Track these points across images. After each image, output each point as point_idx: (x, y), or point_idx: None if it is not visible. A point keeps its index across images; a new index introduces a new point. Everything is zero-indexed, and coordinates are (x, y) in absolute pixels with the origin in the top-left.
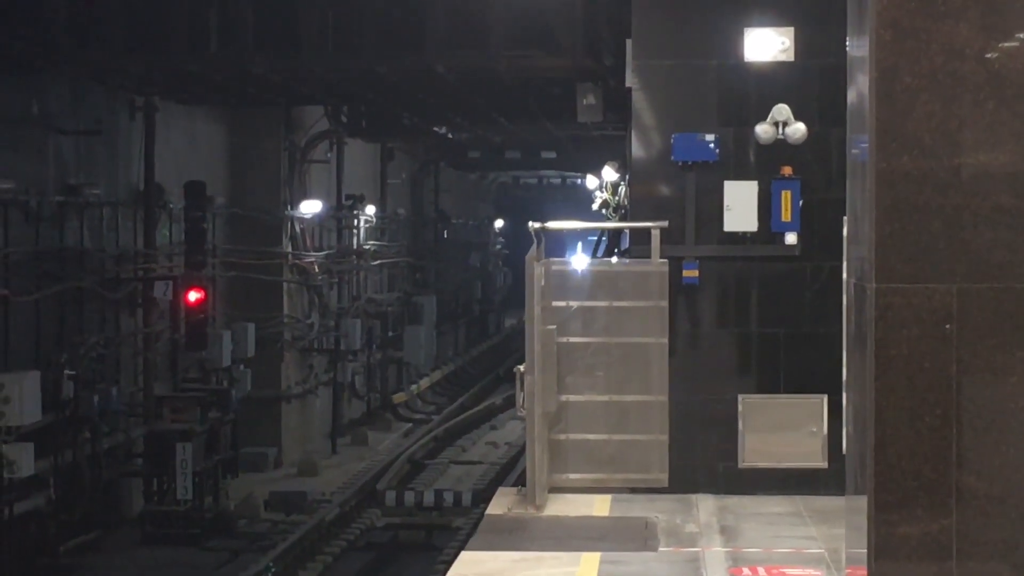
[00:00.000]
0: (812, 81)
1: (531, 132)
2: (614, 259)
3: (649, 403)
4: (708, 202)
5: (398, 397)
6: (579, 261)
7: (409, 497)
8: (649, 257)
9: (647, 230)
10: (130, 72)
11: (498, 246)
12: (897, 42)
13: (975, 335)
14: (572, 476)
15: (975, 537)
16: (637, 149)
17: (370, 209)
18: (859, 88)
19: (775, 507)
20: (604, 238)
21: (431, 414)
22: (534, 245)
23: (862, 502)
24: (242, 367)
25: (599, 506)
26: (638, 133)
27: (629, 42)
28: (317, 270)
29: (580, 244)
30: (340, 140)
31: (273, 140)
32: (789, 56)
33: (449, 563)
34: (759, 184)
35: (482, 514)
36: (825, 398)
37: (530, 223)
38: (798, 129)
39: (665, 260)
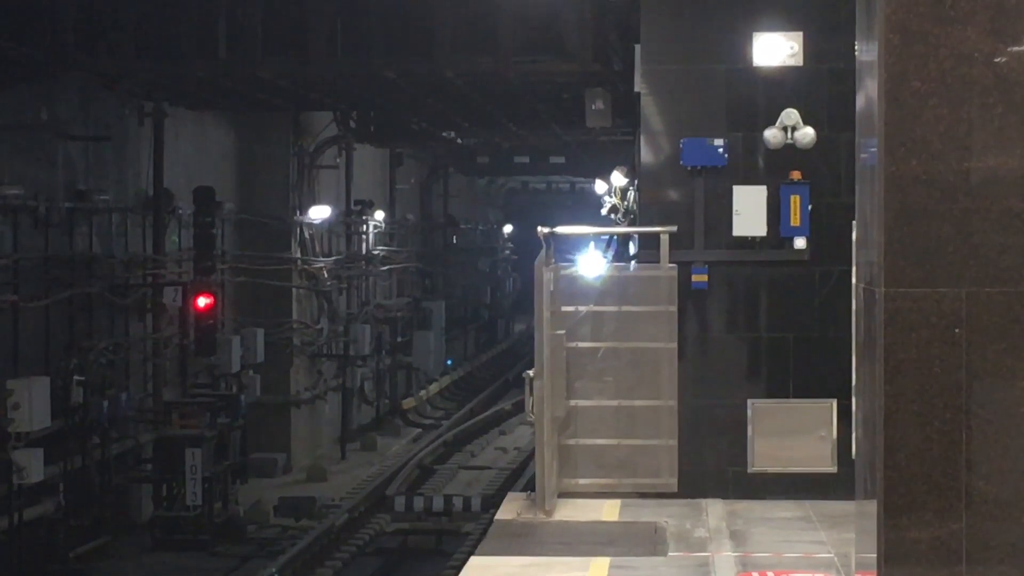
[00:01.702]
0: (821, 86)
1: (540, 137)
2: (633, 264)
3: (658, 408)
4: (717, 207)
5: (407, 402)
6: (591, 259)
7: (418, 502)
8: (658, 262)
9: (656, 235)
10: (139, 78)
11: (507, 251)
12: (906, 46)
13: (984, 339)
14: (581, 481)
15: (985, 541)
16: (646, 154)
17: (379, 214)
18: (868, 92)
19: (785, 512)
20: (613, 242)
21: (440, 419)
22: (543, 250)
23: (872, 506)
24: (251, 372)
25: (608, 511)
26: (647, 138)
27: (638, 47)
28: (326, 275)
29: (592, 243)
30: (349, 145)
31: (282, 145)
32: (798, 61)
33: (458, 568)
34: (768, 189)
35: (491, 519)
36: (835, 402)
37: (539, 228)
38: (807, 134)
39: (674, 265)
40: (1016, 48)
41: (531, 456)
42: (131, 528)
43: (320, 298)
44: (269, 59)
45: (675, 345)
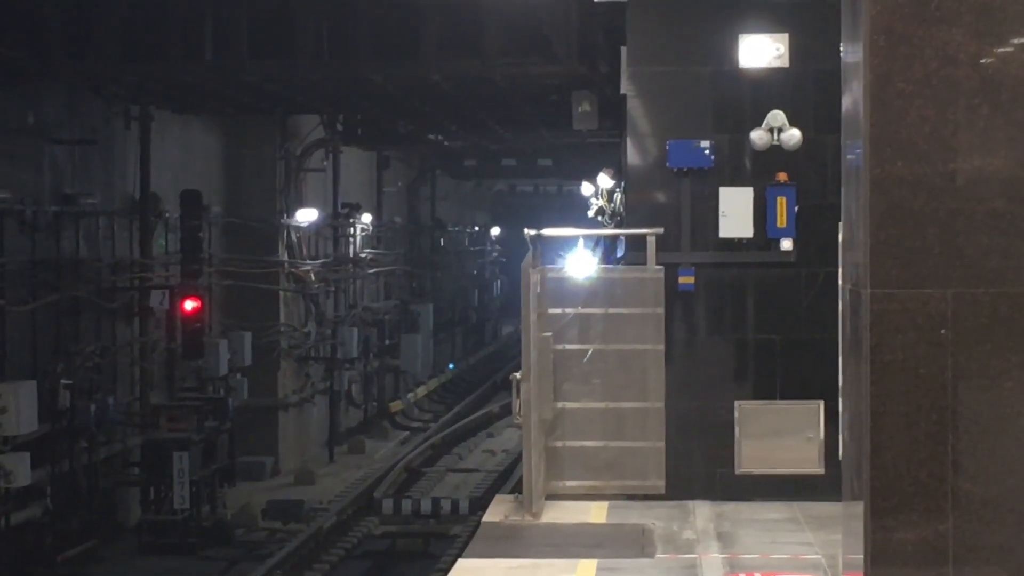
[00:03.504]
0: (807, 87)
1: (527, 140)
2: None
3: (645, 410)
4: (704, 208)
5: (395, 405)
6: (580, 259)
7: (406, 505)
8: (645, 264)
9: (643, 237)
10: (125, 81)
11: (494, 254)
12: (891, 48)
13: (970, 340)
14: (569, 483)
15: (971, 542)
16: (632, 156)
17: (366, 217)
18: (853, 94)
19: (772, 513)
20: (601, 243)
21: (428, 422)
22: (530, 252)
23: (859, 508)
24: (239, 376)
25: (596, 513)
26: (633, 140)
27: (624, 49)
28: (314, 279)
29: (581, 240)
30: (336, 148)
31: (269, 149)
32: (784, 62)
33: (446, 571)
34: (754, 190)
35: (479, 521)
36: (821, 404)
37: (526, 230)
38: (793, 135)
39: (661, 267)
40: (1001, 49)
41: (519, 458)
42: (119, 532)
43: (307, 301)
44: (255, 62)
45: (662, 347)
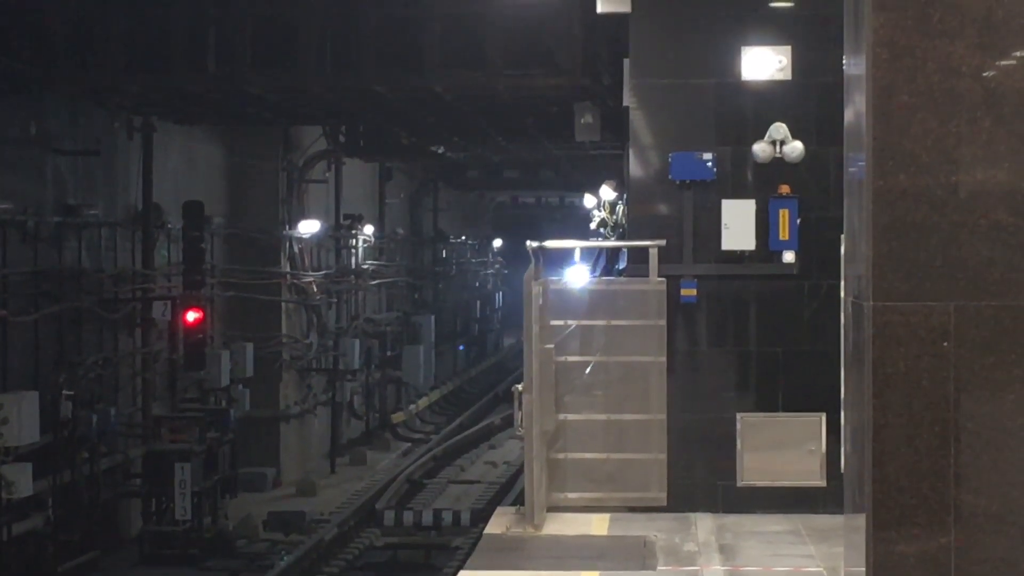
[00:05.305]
0: (809, 100)
1: (529, 152)
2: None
3: (647, 422)
4: (706, 220)
5: (397, 417)
6: (578, 273)
7: (408, 517)
8: (647, 276)
9: (645, 249)
10: (129, 92)
11: (496, 265)
12: (893, 60)
13: (973, 353)
14: (570, 495)
15: (973, 555)
16: (635, 168)
17: (368, 229)
18: (856, 106)
19: (774, 526)
20: (602, 256)
21: (430, 434)
22: (532, 264)
23: (860, 520)
24: (240, 387)
25: (597, 525)
26: (636, 152)
27: (627, 61)
28: (316, 290)
29: (578, 252)
30: (338, 160)
31: (271, 160)
32: (786, 75)
33: None
34: (757, 202)
35: (481, 533)
36: (823, 416)
37: (528, 242)
38: (796, 148)
39: (663, 279)
40: (1003, 62)
41: (520, 470)
42: (120, 543)
43: (309, 312)
44: (258, 73)
45: (664, 359)
